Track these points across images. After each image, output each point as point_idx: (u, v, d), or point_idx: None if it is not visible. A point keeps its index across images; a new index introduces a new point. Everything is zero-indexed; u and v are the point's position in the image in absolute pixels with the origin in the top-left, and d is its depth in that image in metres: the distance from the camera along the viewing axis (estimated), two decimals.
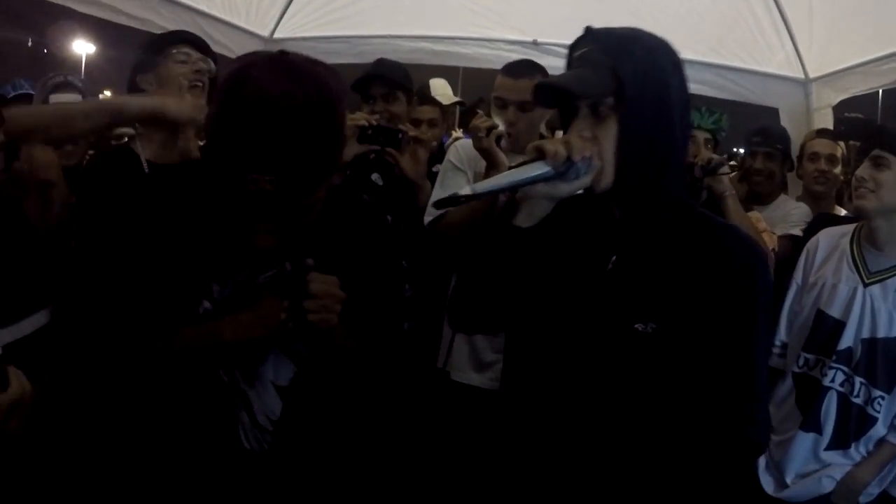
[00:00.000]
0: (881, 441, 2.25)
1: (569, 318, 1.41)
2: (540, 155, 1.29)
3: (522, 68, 2.55)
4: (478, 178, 2.46)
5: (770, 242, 2.43)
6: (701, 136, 2.57)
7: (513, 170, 1.33)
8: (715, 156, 2.47)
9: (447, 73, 4.44)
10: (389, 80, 2.76)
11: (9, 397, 1.17)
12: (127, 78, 2.30)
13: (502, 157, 2.35)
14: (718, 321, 1.31)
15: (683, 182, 1.43)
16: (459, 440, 2.47)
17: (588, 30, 1.39)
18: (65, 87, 2.45)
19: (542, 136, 2.81)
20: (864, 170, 2.23)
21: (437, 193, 2.50)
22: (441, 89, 4.08)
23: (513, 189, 1.37)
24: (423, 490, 2.61)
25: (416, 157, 2.63)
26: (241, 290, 1.50)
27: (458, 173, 2.52)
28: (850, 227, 2.42)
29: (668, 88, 1.34)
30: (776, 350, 2.47)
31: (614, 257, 1.40)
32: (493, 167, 2.35)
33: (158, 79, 2.18)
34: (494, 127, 2.34)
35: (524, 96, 2.42)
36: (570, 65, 1.41)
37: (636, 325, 1.33)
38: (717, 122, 2.56)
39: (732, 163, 2.76)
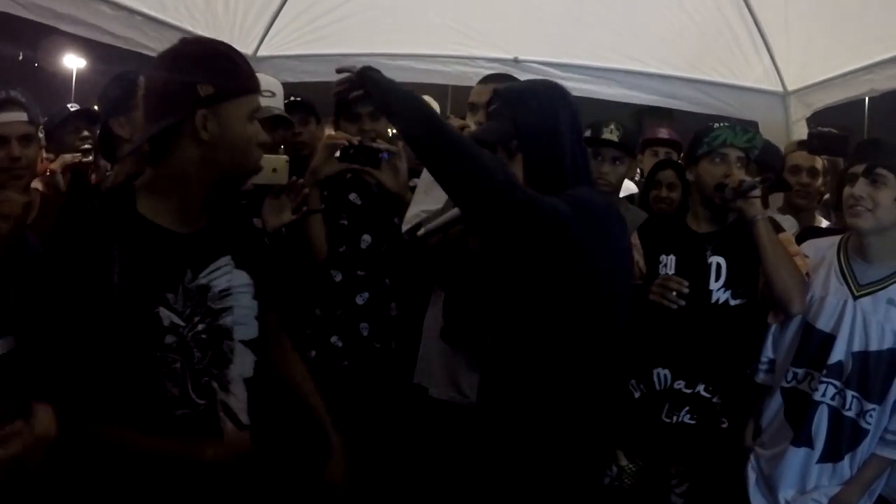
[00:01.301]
0: (870, 456, 2.21)
1: None
2: None
3: (493, 76, 2.66)
4: None
5: (804, 267, 2.39)
6: (733, 154, 2.41)
7: (446, 213, 1.81)
8: (747, 178, 2.36)
9: (437, 91, 4.50)
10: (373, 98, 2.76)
11: (38, 432, 1.17)
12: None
13: None
14: None
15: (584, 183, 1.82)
16: (439, 457, 2.46)
17: (495, 91, 1.91)
18: (8, 104, 2.19)
19: None
20: (861, 187, 2.16)
21: (421, 200, 2.53)
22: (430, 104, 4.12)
23: (450, 225, 1.88)
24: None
25: (396, 169, 2.60)
26: (192, 295, 1.57)
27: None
28: (835, 239, 2.38)
29: (558, 123, 1.77)
30: (763, 366, 2.44)
31: None
32: None
33: (132, 122, 2.19)
34: (465, 127, 2.40)
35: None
36: (489, 117, 1.89)
37: None
38: (750, 141, 2.49)
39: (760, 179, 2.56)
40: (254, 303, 1.70)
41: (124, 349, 1.48)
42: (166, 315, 1.51)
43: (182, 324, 1.54)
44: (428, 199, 2.51)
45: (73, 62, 23.14)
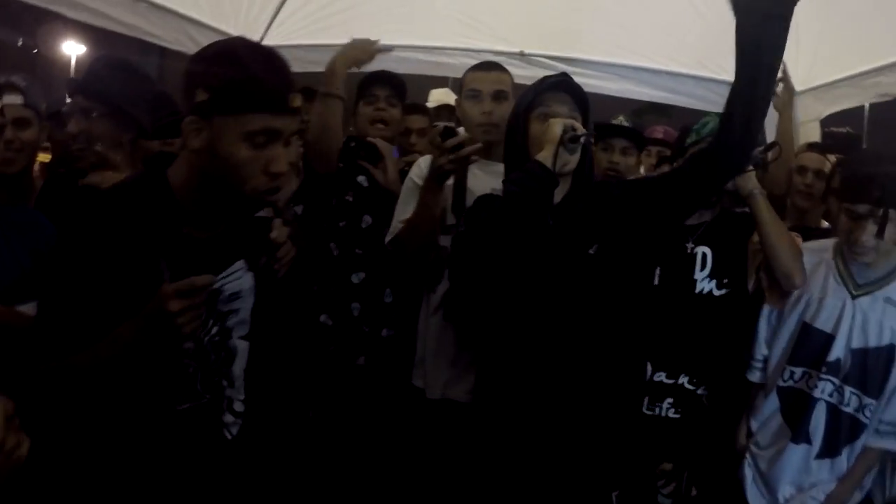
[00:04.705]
0: (861, 450, 2.25)
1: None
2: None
3: (492, 63, 2.67)
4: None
5: (798, 245, 2.42)
6: None
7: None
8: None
9: (439, 84, 4.48)
10: (392, 84, 2.96)
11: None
12: None
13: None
14: None
15: None
16: (437, 457, 2.45)
17: (563, 74, 2.24)
18: (5, 89, 2.20)
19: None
20: (869, 237, 2.17)
21: (403, 212, 2.50)
22: (443, 96, 4.10)
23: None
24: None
25: (385, 168, 2.78)
26: (207, 300, 1.47)
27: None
28: (830, 242, 2.40)
29: None
30: (758, 365, 2.44)
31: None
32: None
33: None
34: (459, 135, 2.28)
35: (497, 86, 2.52)
36: (555, 87, 2.18)
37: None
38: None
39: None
40: (252, 300, 1.64)
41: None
42: None
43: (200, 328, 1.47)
44: (409, 210, 2.48)
45: (72, 49, 22.99)
